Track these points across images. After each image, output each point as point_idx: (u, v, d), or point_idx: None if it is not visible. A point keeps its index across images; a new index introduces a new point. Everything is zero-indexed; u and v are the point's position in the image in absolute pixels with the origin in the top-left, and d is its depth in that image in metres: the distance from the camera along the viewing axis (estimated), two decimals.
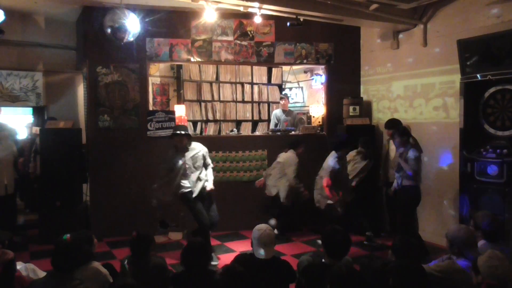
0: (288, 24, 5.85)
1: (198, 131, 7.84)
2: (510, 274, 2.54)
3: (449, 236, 3.17)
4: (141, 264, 3.34)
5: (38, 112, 7.42)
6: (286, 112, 7.54)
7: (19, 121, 7.56)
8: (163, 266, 3.45)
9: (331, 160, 5.65)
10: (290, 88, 9.59)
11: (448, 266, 3.04)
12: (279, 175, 6.14)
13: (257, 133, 8.03)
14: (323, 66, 7.33)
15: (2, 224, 5.51)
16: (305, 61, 7.11)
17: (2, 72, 6.91)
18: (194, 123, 7.90)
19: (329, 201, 5.61)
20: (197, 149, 5.22)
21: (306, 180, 6.14)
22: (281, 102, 7.57)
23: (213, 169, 6.57)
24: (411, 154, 5.16)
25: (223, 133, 7.84)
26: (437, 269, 3.02)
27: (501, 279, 2.52)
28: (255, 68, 8.20)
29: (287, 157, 6.15)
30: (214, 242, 6.06)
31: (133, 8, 5.66)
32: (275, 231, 5.63)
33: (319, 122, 8.29)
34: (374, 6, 5.66)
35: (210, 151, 6.54)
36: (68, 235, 2.94)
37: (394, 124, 5.97)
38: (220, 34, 6.68)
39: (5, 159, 5.74)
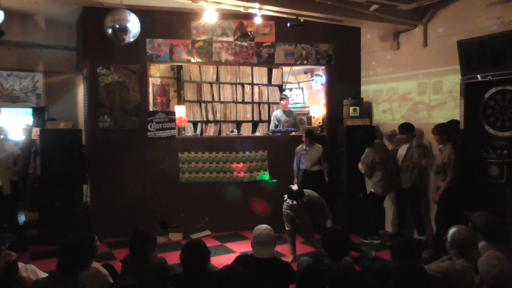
0: (288, 24, 5.86)
1: (198, 131, 7.85)
2: (509, 275, 2.53)
3: (449, 237, 3.16)
4: (141, 264, 3.33)
5: (38, 112, 7.42)
6: (286, 112, 7.54)
7: (18, 122, 7.55)
8: (164, 266, 3.44)
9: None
10: (291, 89, 9.57)
11: (448, 267, 3.04)
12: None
13: (257, 133, 8.03)
14: (323, 67, 7.33)
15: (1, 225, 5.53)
16: (305, 61, 7.11)
17: (2, 72, 6.91)
18: (195, 123, 7.91)
19: None
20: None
21: None
22: (281, 102, 7.57)
23: (214, 169, 6.63)
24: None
25: (223, 134, 7.85)
26: (437, 270, 3.02)
27: (499, 279, 2.51)
28: (255, 68, 8.20)
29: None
30: (214, 242, 6.07)
31: (133, 8, 5.66)
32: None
33: (320, 122, 8.27)
34: (374, 6, 5.66)
35: (210, 151, 6.60)
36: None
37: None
38: (220, 35, 6.68)
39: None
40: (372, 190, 6.08)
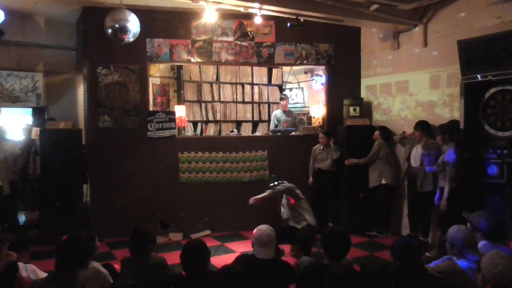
0: (288, 24, 5.86)
1: (198, 131, 7.85)
2: (511, 274, 2.53)
3: (449, 237, 3.16)
4: (141, 263, 3.33)
5: (38, 112, 7.41)
6: (286, 112, 7.54)
7: (18, 122, 7.54)
8: (164, 265, 3.44)
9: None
10: (291, 89, 9.58)
11: (448, 267, 3.03)
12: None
13: (257, 133, 8.03)
14: (323, 67, 7.32)
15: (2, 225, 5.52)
16: (305, 61, 7.10)
17: (2, 72, 6.90)
18: (195, 123, 7.90)
19: None
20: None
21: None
22: (281, 102, 7.57)
23: (214, 169, 6.63)
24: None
25: (223, 134, 7.85)
26: (438, 270, 3.01)
27: (500, 278, 2.51)
28: (255, 68, 8.20)
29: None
30: (214, 242, 6.07)
31: (133, 8, 5.66)
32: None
33: (320, 122, 8.28)
34: (374, 6, 5.65)
35: (210, 151, 6.61)
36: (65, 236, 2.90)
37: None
38: (220, 35, 6.68)
39: None
40: (383, 181, 6.27)
